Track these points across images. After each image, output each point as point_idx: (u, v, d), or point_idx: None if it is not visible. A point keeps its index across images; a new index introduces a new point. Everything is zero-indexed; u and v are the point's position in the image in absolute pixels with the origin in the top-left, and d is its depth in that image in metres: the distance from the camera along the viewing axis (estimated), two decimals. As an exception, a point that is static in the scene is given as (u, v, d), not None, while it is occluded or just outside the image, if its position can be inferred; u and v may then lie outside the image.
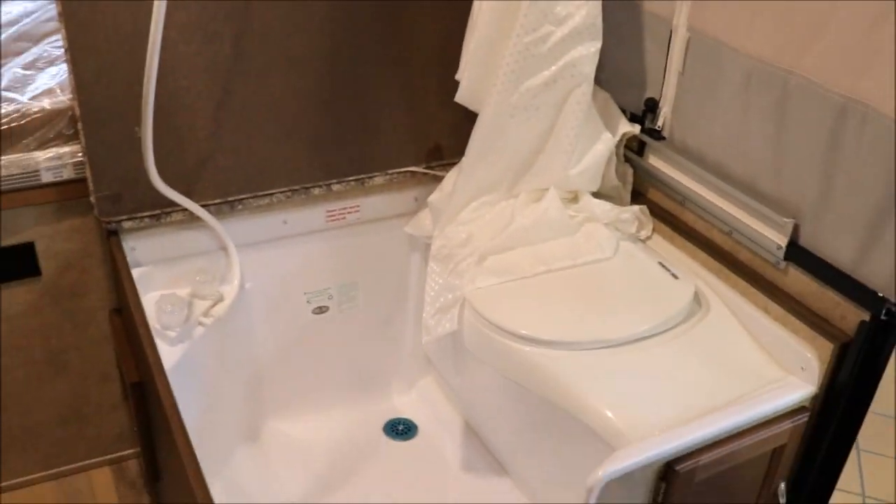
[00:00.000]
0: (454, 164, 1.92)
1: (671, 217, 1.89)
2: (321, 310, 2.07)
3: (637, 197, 1.97)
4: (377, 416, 2.19)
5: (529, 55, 1.71)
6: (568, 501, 1.79)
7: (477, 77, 1.78)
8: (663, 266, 1.79)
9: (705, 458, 1.50)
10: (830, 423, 1.61)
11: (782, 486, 1.66)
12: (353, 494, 1.99)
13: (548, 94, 1.76)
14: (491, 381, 1.95)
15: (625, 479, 1.45)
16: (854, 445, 1.66)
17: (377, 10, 1.83)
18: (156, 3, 1.51)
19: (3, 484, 2.04)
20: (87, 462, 2.11)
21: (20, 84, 1.83)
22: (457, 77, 1.82)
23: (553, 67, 1.73)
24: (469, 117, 1.82)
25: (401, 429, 2.16)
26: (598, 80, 1.92)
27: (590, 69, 1.75)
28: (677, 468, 1.47)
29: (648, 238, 1.91)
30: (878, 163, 1.41)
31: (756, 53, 1.59)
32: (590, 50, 1.73)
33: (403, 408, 2.22)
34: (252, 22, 1.73)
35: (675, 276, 1.76)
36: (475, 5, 1.75)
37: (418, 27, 1.88)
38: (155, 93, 1.62)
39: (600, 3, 1.72)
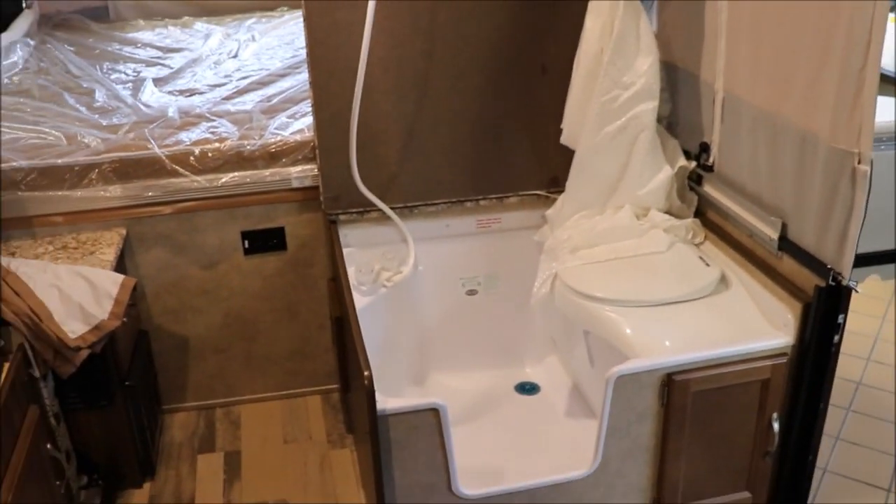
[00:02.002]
0: (566, 189, 2.73)
1: (718, 228, 2.58)
2: (472, 293, 2.90)
3: (699, 215, 2.67)
4: (511, 377, 2.96)
5: (606, 110, 2.50)
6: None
7: (572, 126, 2.60)
8: (701, 259, 2.49)
9: (697, 374, 2.17)
10: (805, 365, 2.23)
11: (774, 415, 2.28)
12: (490, 426, 2.76)
13: (621, 137, 2.53)
14: (579, 341, 2.70)
15: (636, 382, 2.16)
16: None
17: (514, 82, 2.71)
18: (358, 79, 2.47)
19: (247, 397, 3.01)
20: (305, 389, 3.04)
21: (284, 127, 2.86)
22: (562, 126, 2.64)
23: (623, 119, 2.51)
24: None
25: (527, 388, 2.92)
26: (671, 130, 2.69)
27: (649, 120, 2.51)
28: (675, 378, 2.16)
29: (701, 243, 2.61)
30: (823, 176, 2.07)
31: (758, 104, 2.29)
32: (649, 106, 2.50)
33: (531, 374, 2.98)
34: (428, 86, 2.65)
35: (707, 265, 2.46)
36: (572, 78, 2.58)
37: (541, 94, 2.74)
38: (363, 133, 2.58)
39: (657, 73, 2.49)
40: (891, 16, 5.42)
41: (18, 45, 3.94)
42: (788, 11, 2.11)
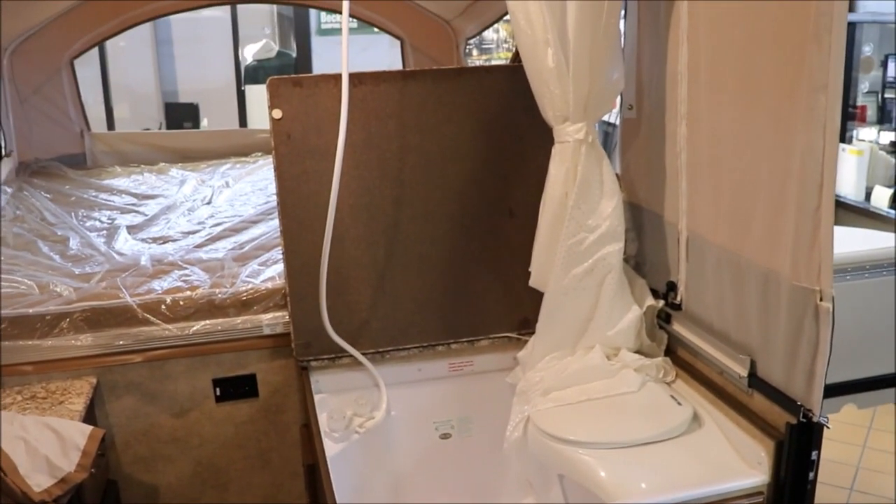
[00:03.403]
0: (537, 331, 2.75)
1: (689, 366, 2.60)
2: (446, 436, 2.88)
3: (669, 353, 2.69)
4: (488, 523, 2.91)
5: (572, 253, 2.54)
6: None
7: (541, 268, 2.63)
8: (673, 398, 2.49)
9: (674, 518, 2.15)
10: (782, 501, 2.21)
11: (755, 558, 2.25)
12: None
13: (588, 279, 2.56)
14: (555, 484, 2.66)
15: (612, 527, 2.13)
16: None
17: (483, 226, 2.77)
18: (327, 227, 2.51)
19: (218, 547, 2.94)
20: (278, 540, 2.97)
21: (256, 274, 2.89)
22: (530, 269, 2.68)
23: (590, 261, 2.54)
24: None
25: (504, 533, 2.87)
26: (638, 269, 2.74)
27: (616, 261, 2.55)
28: (652, 522, 2.14)
29: (673, 381, 2.62)
30: (788, 313, 2.10)
31: (721, 243, 2.35)
32: (614, 248, 2.54)
33: (509, 518, 2.94)
34: (398, 232, 2.70)
35: (679, 404, 2.46)
36: (539, 221, 2.63)
37: (510, 237, 2.80)
38: (333, 280, 2.61)
39: (622, 215, 2.54)
40: (848, 147, 5.58)
41: (-5, 194, 4.00)
42: (745, 153, 2.19)
